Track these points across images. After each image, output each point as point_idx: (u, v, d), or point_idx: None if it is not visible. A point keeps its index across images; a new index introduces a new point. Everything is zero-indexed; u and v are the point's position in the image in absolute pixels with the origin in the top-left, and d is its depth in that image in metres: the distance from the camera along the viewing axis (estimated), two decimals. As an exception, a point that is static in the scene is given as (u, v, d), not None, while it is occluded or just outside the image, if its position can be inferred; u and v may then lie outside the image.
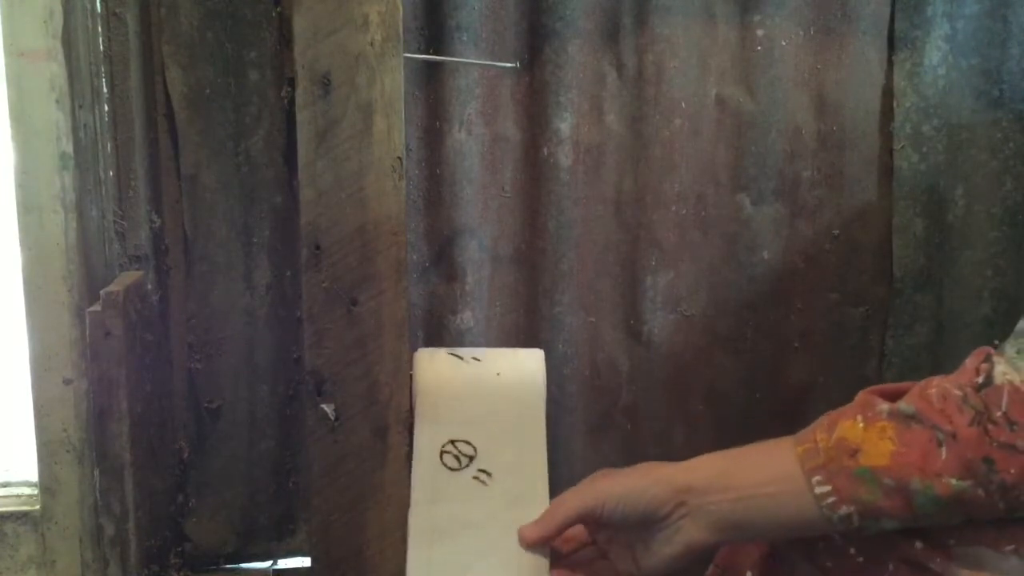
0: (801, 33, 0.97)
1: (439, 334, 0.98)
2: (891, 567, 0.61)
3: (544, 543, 0.70)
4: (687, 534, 0.64)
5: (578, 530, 0.72)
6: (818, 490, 0.59)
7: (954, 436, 0.56)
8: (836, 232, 1.00)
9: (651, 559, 0.66)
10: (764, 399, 1.03)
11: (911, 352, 1.01)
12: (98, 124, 0.86)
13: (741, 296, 1.01)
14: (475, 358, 0.82)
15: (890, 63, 0.98)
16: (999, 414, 0.55)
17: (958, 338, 1.01)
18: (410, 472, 0.76)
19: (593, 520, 0.68)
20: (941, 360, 1.01)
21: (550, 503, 0.71)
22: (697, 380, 1.02)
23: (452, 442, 0.75)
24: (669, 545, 0.65)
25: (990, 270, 1.00)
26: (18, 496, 0.90)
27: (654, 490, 0.65)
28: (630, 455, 1.03)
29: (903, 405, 0.59)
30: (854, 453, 0.58)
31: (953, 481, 0.56)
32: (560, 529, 0.69)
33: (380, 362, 0.75)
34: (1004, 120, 0.98)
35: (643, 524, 0.66)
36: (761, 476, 0.62)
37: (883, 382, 1.00)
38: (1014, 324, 0.63)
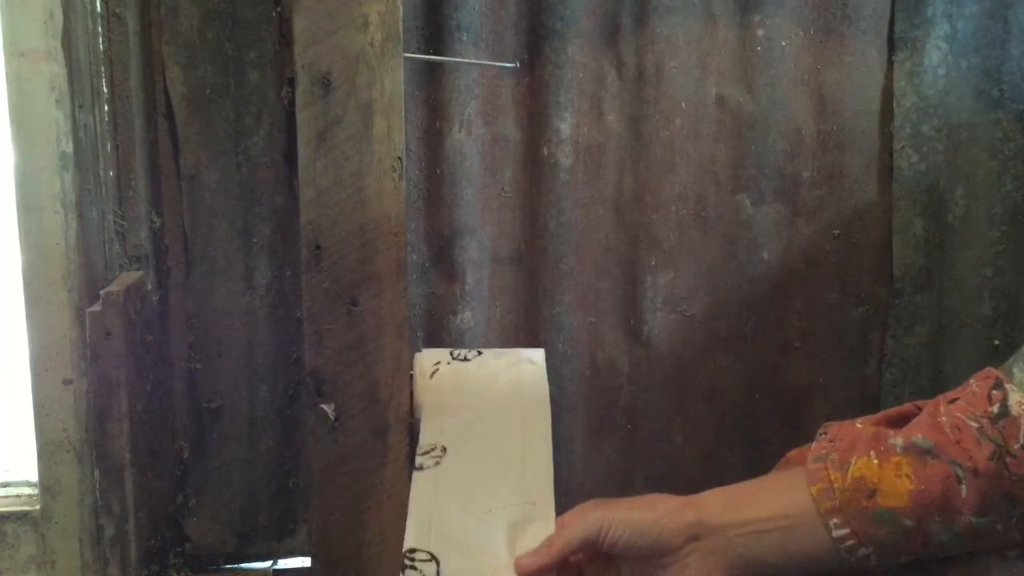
0: (801, 33, 0.97)
1: (439, 334, 0.98)
2: (895, 569, 0.61)
3: (543, 573, 0.65)
4: (695, 571, 0.61)
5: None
6: (836, 533, 0.57)
7: (975, 472, 0.55)
8: (836, 232, 1.00)
9: None
10: (764, 399, 1.03)
11: (911, 352, 1.01)
12: (98, 124, 0.86)
13: (741, 296, 1.01)
14: (476, 358, 0.82)
15: (890, 63, 0.98)
16: (1017, 446, 0.54)
17: (958, 338, 1.01)
18: (410, 471, 0.75)
19: (593, 547, 0.63)
20: (941, 360, 1.01)
21: (552, 529, 0.66)
22: (697, 380, 1.02)
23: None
24: None
25: (990, 270, 1.00)
26: (18, 496, 0.90)
27: (664, 522, 0.62)
28: (630, 455, 1.03)
29: (918, 438, 0.57)
30: (872, 494, 0.57)
31: (973, 519, 0.55)
32: (560, 558, 0.64)
33: (380, 362, 0.75)
34: (1004, 120, 0.98)
35: (648, 556, 0.62)
36: (774, 510, 0.60)
37: (883, 382, 1.01)
38: (1014, 324, 0.62)
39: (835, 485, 0.58)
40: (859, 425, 0.62)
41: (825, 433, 0.63)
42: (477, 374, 0.79)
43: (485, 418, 0.76)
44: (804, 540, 0.59)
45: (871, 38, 0.97)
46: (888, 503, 0.56)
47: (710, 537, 0.61)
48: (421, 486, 0.69)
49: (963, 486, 0.55)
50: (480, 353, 0.81)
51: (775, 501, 0.60)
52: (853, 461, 0.58)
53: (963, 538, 0.55)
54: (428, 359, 0.81)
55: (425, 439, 0.73)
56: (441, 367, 0.79)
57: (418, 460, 0.71)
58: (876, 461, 0.58)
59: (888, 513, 0.56)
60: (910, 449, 0.57)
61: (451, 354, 0.81)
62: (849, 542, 0.57)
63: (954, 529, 0.55)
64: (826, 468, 0.59)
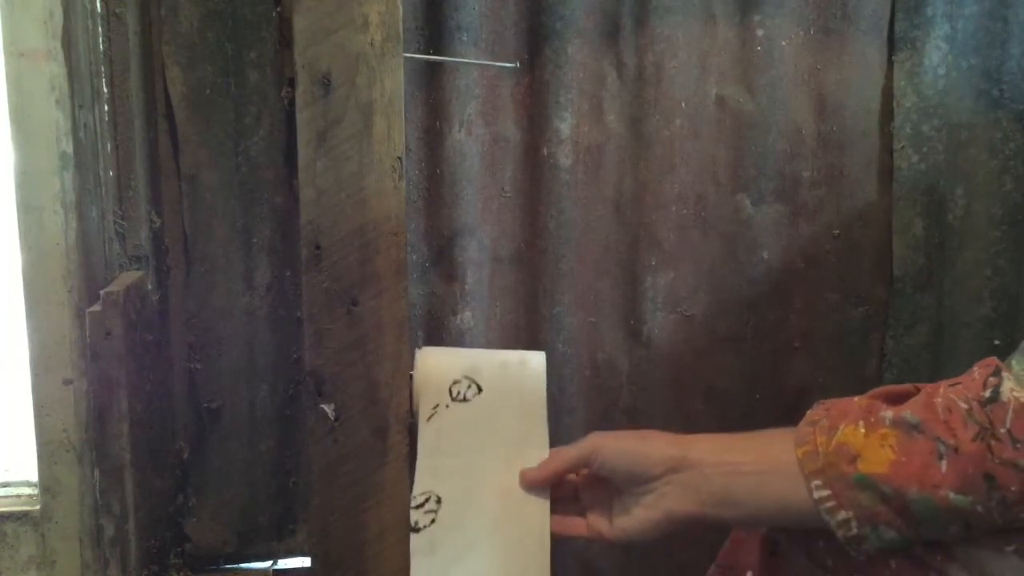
0: (801, 33, 0.97)
1: (439, 334, 0.98)
2: (893, 565, 0.61)
3: (539, 485, 0.72)
4: (671, 501, 0.64)
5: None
6: (817, 494, 0.59)
7: (956, 450, 0.56)
8: (836, 232, 1.00)
9: (627, 520, 0.67)
10: (764, 399, 1.03)
11: (911, 352, 1.01)
12: (98, 124, 0.86)
13: (741, 296, 1.01)
14: (475, 397, 0.82)
15: (890, 63, 0.98)
16: (1003, 431, 0.55)
17: (958, 338, 1.01)
18: (410, 472, 0.76)
19: (587, 467, 0.70)
20: (941, 360, 1.01)
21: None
22: (697, 380, 1.02)
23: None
24: (649, 509, 0.65)
25: (990, 270, 1.00)
26: (18, 496, 0.90)
27: (648, 450, 0.66)
28: (630, 455, 1.03)
29: (907, 414, 0.58)
30: (853, 459, 0.58)
31: (952, 494, 0.55)
32: (555, 474, 0.72)
33: (380, 362, 0.75)
34: (1004, 120, 0.98)
35: (629, 480, 0.67)
36: (757, 457, 0.63)
37: (883, 382, 1.01)
38: (1014, 324, 0.63)
39: (820, 449, 0.60)
40: (856, 399, 0.64)
41: (822, 403, 0.65)
42: (476, 415, 0.79)
43: (481, 461, 0.77)
44: (783, 491, 0.61)
45: (871, 38, 0.97)
46: (868, 469, 0.58)
47: (690, 470, 0.64)
48: (419, 554, 0.73)
49: (943, 462, 0.56)
50: (480, 391, 0.81)
51: (761, 451, 0.63)
52: (841, 428, 0.60)
53: (943, 513, 0.56)
54: (428, 358, 0.81)
55: (419, 486, 0.76)
56: (440, 410, 0.79)
57: (412, 517, 0.74)
58: (863, 430, 0.59)
59: (868, 479, 0.58)
60: (898, 423, 0.58)
61: (450, 393, 0.80)
62: (829, 503, 0.59)
63: (933, 502, 0.56)
64: (814, 433, 0.61)
